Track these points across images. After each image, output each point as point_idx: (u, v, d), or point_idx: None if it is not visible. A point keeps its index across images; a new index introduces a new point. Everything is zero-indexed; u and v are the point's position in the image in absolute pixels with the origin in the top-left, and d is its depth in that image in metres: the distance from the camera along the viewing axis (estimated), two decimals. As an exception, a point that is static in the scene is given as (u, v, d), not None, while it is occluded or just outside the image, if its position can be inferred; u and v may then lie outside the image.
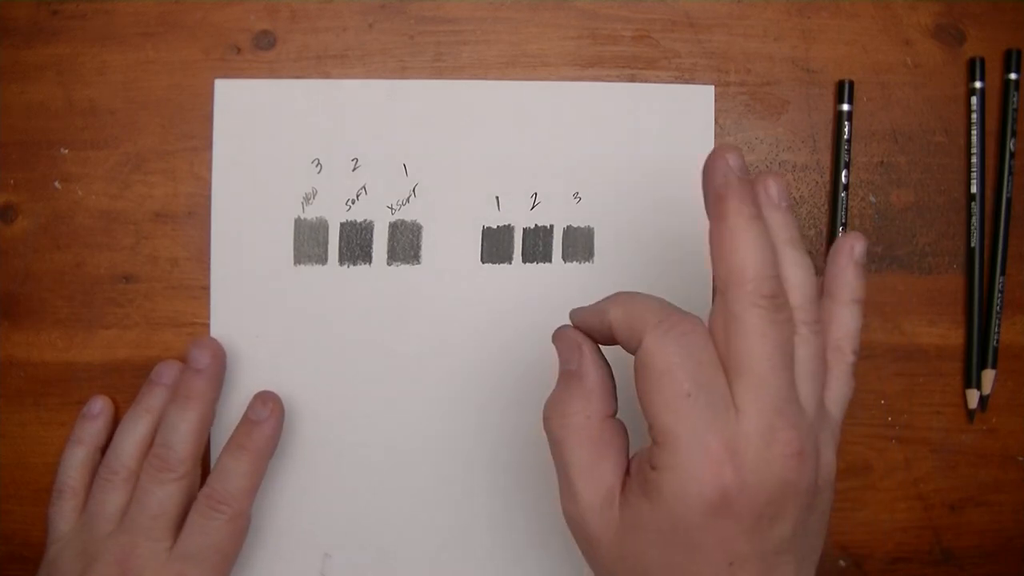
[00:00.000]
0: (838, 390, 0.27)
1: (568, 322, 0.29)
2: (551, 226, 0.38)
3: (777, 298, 0.24)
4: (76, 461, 0.36)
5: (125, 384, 0.38)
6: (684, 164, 0.38)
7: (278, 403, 0.36)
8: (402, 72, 0.38)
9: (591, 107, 0.38)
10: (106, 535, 0.34)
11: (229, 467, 0.35)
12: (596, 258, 0.38)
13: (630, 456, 0.27)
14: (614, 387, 0.28)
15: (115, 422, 0.37)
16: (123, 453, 0.35)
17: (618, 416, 0.28)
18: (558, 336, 0.29)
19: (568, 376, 0.28)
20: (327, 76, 0.38)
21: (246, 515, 0.35)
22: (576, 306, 0.30)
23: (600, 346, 0.28)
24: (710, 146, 0.38)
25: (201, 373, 0.35)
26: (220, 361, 0.36)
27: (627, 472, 0.26)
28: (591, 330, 0.28)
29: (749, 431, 0.23)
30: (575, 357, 0.28)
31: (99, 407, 0.37)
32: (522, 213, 0.38)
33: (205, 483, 0.35)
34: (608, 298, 0.27)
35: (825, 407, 0.26)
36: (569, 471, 0.26)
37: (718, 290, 0.25)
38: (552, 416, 0.27)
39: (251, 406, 0.36)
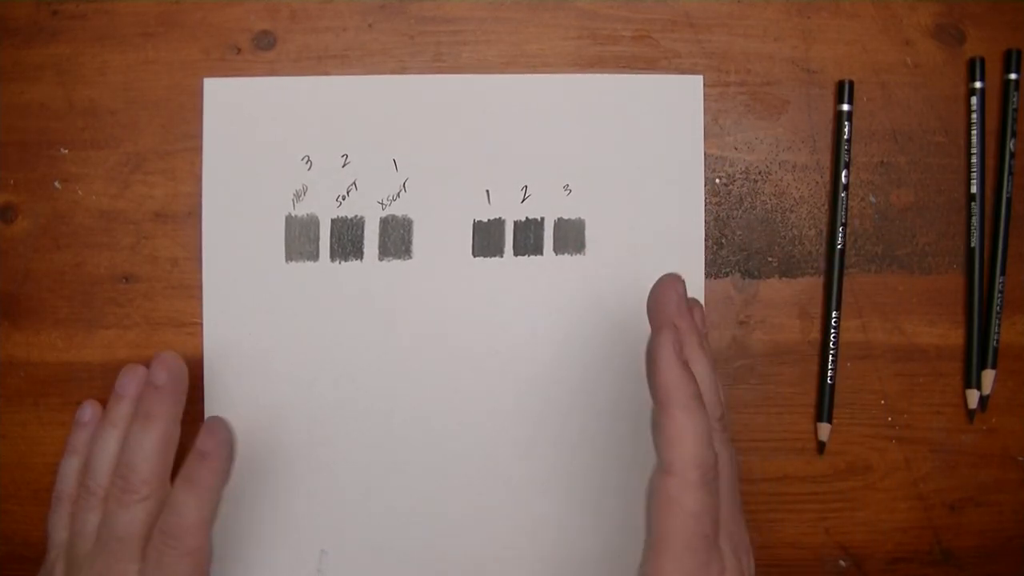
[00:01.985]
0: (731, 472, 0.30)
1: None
2: (542, 218, 0.38)
3: (712, 469, 0.27)
4: (72, 470, 0.36)
5: (125, 384, 0.38)
6: (673, 154, 0.38)
7: (225, 433, 0.33)
8: (402, 72, 0.38)
9: (580, 99, 0.38)
10: (86, 554, 0.33)
11: (179, 501, 0.33)
12: (587, 249, 0.38)
13: None
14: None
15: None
16: (97, 471, 0.34)
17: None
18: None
19: (714, 480, 0.27)
20: (327, 76, 0.38)
21: (202, 549, 0.33)
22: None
23: None
24: (699, 136, 0.38)
25: (160, 390, 0.34)
26: (178, 377, 0.35)
27: None
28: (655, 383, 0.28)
29: None
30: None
31: (89, 414, 0.37)
32: (513, 206, 0.38)
33: (160, 516, 0.33)
34: (678, 411, 0.27)
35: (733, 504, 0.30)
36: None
37: (661, 465, 0.27)
38: (675, 506, 0.27)
39: (200, 435, 0.33)
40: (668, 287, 0.29)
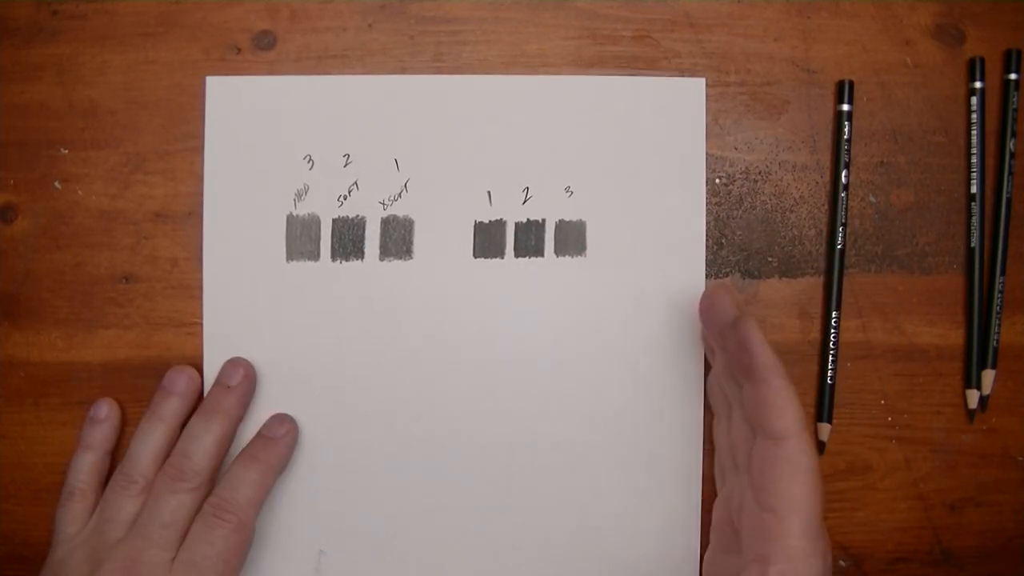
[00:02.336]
0: None
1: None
2: (543, 220, 0.38)
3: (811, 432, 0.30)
4: (86, 465, 0.36)
5: (125, 384, 0.38)
6: (675, 156, 0.38)
7: (294, 425, 0.37)
8: (402, 72, 0.38)
9: (582, 100, 0.38)
10: (116, 540, 0.34)
11: (239, 476, 0.35)
12: (588, 251, 0.38)
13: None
14: None
15: (122, 424, 0.37)
16: (139, 462, 0.35)
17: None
18: None
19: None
20: (329, 76, 0.38)
21: (250, 527, 0.35)
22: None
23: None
24: (701, 139, 0.38)
25: (231, 390, 0.36)
26: (251, 380, 0.37)
27: None
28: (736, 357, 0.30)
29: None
30: None
31: (105, 411, 0.37)
32: (514, 207, 0.38)
33: (212, 492, 0.35)
34: (779, 381, 0.29)
35: None
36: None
37: (770, 433, 0.29)
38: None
39: (267, 424, 0.37)
40: (720, 289, 0.32)
